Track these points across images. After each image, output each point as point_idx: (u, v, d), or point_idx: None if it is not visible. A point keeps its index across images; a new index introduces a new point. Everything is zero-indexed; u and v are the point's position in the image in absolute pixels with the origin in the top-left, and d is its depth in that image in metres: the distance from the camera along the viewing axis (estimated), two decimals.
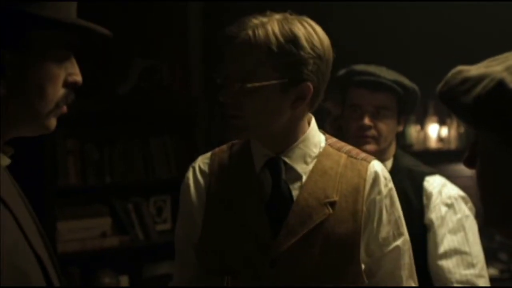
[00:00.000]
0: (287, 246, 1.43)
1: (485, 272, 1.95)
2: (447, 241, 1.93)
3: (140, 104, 3.59)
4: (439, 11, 3.81)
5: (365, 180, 1.48)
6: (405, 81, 2.06)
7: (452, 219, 1.96)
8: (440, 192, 2.00)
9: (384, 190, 1.49)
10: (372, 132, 2.02)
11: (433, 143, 4.16)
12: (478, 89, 0.85)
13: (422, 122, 4.12)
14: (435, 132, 4.15)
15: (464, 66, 0.92)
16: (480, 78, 0.87)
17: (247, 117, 1.42)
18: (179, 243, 1.60)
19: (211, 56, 3.77)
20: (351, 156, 1.51)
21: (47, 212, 3.15)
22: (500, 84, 0.83)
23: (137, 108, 3.59)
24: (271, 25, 1.39)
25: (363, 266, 1.47)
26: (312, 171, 1.48)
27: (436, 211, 1.97)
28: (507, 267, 3.67)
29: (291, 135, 1.49)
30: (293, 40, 1.38)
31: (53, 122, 1.13)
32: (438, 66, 3.83)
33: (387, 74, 2.04)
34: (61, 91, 1.11)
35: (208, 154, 1.59)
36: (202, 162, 1.58)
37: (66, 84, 1.12)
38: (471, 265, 1.92)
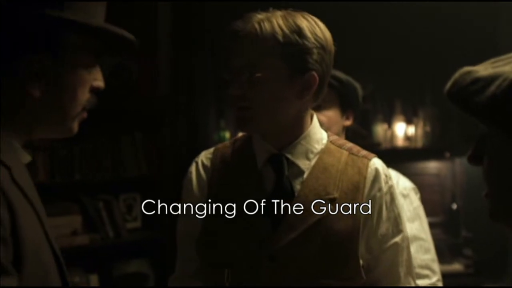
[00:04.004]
0: (287, 241, 1.45)
1: (436, 257, 2.10)
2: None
3: (109, 102, 3.56)
4: (406, 12, 3.86)
5: (365, 177, 1.50)
6: (339, 74, 2.14)
7: (409, 209, 2.09)
8: (397, 184, 2.09)
9: (385, 187, 1.52)
10: None
11: (400, 141, 4.21)
12: (492, 88, 0.87)
13: (389, 121, 4.17)
14: (402, 130, 4.20)
15: (470, 67, 0.94)
16: (492, 78, 0.88)
17: (255, 108, 1.45)
18: (181, 238, 1.61)
19: (179, 55, 3.77)
20: (352, 154, 1.54)
21: None
22: None
23: (106, 106, 3.56)
24: (275, 18, 1.44)
25: (361, 262, 1.49)
26: (313, 167, 1.51)
27: None
28: (472, 262, 3.74)
29: (295, 131, 1.52)
30: (297, 30, 1.43)
31: (76, 126, 1.17)
32: (403, 67, 3.89)
33: None
34: (87, 95, 1.15)
35: (211, 149, 1.62)
36: (205, 157, 1.60)
37: (91, 89, 1.16)
38: (428, 251, 2.06)
